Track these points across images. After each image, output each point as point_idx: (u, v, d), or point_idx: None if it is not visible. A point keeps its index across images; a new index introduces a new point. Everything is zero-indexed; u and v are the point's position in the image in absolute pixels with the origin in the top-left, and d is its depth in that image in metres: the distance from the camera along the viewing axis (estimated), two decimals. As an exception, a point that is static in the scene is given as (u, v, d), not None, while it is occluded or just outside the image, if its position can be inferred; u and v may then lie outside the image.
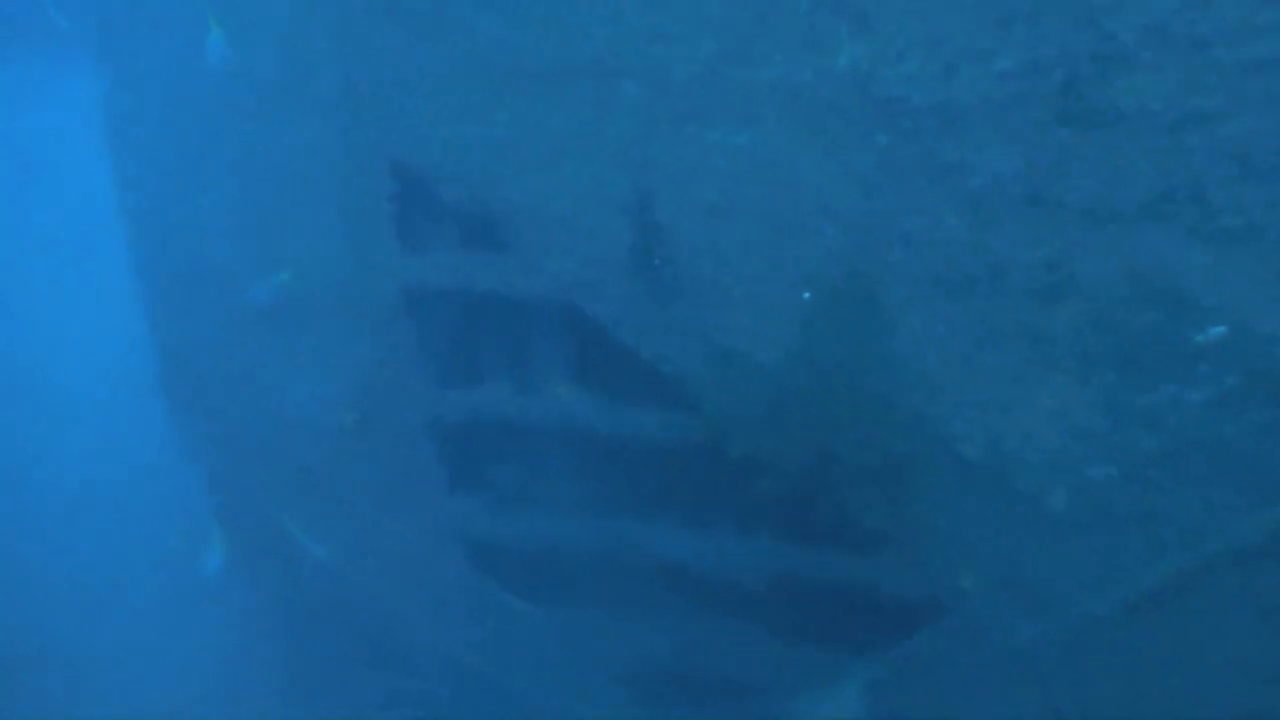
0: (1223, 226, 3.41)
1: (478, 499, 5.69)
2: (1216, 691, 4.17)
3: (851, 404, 4.28)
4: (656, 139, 4.61)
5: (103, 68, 7.45)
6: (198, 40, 6.31)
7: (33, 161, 11.22)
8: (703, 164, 4.50)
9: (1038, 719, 4.56)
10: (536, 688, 5.94)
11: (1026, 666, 4.41)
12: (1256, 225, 3.37)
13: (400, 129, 5.30)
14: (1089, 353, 3.77)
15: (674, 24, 4.41)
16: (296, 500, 6.37)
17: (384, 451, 5.89)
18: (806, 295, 4.24)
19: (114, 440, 9.42)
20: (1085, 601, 4.13)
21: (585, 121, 4.76)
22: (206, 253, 6.51)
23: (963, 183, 3.83)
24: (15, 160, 11.41)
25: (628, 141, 4.69)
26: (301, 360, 6.07)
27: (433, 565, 5.94)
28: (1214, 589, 3.91)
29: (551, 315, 5.26)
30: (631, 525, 5.30)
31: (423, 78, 5.18)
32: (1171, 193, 3.36)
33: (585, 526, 5.38)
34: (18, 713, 7.98)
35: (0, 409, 9.92)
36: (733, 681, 5.33)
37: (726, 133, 4.40)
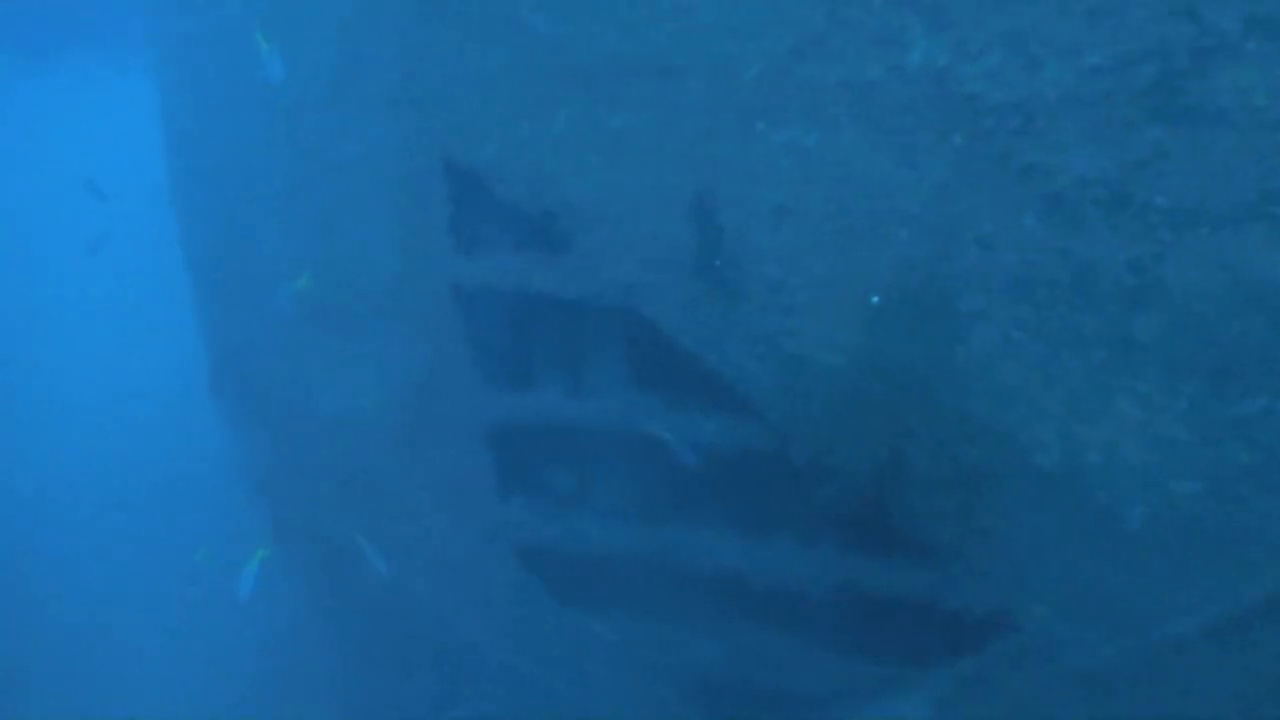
0: (1325, 230, 3.25)
1: (530, 503, 5.61)
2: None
3: (922, 412, 4.14)
4: (721, 138, 4.51)
5: (158, 71, 7.48)
6: (252, 44, 6.31)
7: (88, 164, 11.34)
8: (769, 164, 4.39)
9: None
10: (588, 694, 5.84)
11: (1101, 688, 4.24)
12: (1362, 229, 3.21)
13: (456, 128, 5.24)
14: (1177, 361, 3.61)
15: (744, 20, 4.31)
16: (348, 502, 6.32)
17: (437, 454, 5.82)
18: (876, 299, 4.11)
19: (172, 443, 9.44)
20: (1167, 623, 3.96)
21: (647, 120, 4.67)
22: (259, 254, 6.49)
23: (1045, 184, 3.69)
24: (71, 163, 11.55)
25: (691, 141, 4.59)
26: (354, 361, 6.03)
27: (484, 569, 5.86)
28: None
29: (608, 318, 5.17)
30: (686, 532, 5.19)
31: (479, 76, 5.12)
32: (1275, 193, 3.20)
33: (639, 532, 5.27)
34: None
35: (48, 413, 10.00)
36: (790, 693, 5.20)
37: (795, 132, 4.29)
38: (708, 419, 4.94)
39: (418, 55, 5.29)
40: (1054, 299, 3.79)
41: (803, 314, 4.42)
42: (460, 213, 5.45)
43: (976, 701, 4.50)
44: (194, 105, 6.98)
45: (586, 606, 5.60)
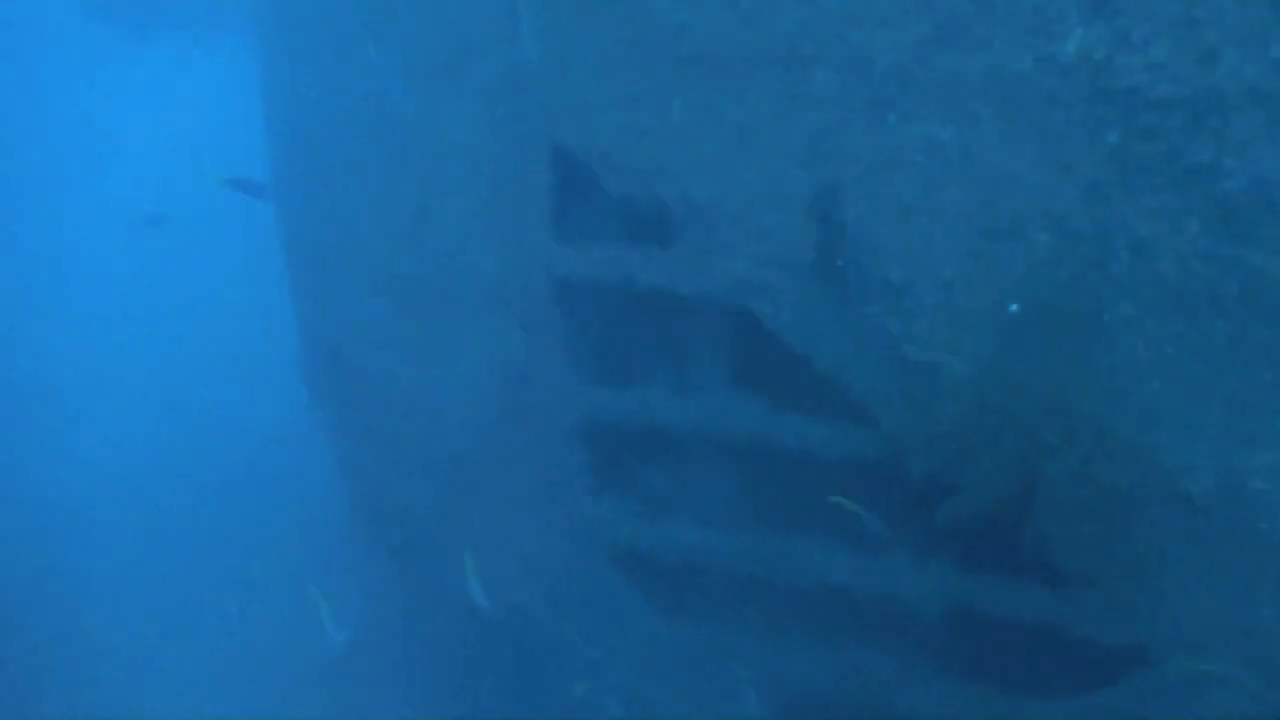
0: None
1: (624, 504, 5.45)
2: None
3: (1060, 429, 3.88)
4: (848, 131, 4.29)
5: (259, 55, 7.48)
6: (355, 27, 6.24)
7: (185, 146, 11.51)
8: (900, 159, 4.16)
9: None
10: (675, 703, 5.67)
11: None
12: None
13: (565, 115, 5.09)
14: (1357, 384, 3.31)
15: (878, 7, 4.09)
16: (440, 496, 6.24)
17: (529, 449, 5.69)
18: (1014, 307, 3.85)
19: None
20: (1328, 666, 3.65)
21: (769, 111, 4.47)
22: (357, 240, 6.44)
23: (1213, 186, 3.40)
24: (167, 144, 11.72)
25: (815, 134, 4.37)
26: (448, 352, 5.93)
27: (573, 569, 5.72)
28: None
29: (717, 317, 4.98)
30: (790, 542, 4.98)
31: (592, 61, 4.96)
32: None
33: (739, 540, 5.08)
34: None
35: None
36: (891, 717, 4.96)
37: (930, 126, 4.05)
38: (816, 425, 4.72)
39: (528, 38, 5.16)
40: (1217, 311, 3.50)
41: (928, 319, 4.18)
42: (564, 203, 5.31)
43: (1104, 739, 4.23)
44: (295, 89, 6.96)
45: (679, 613, 5.42)
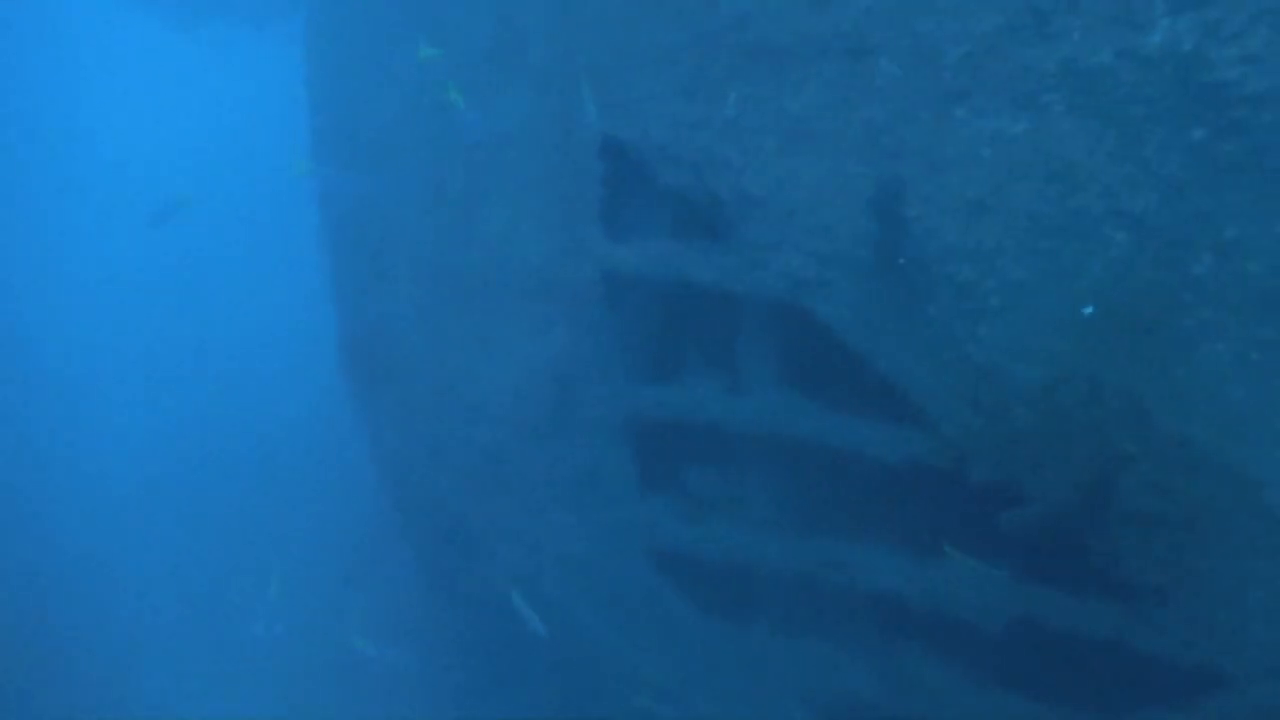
0: None
1: (671, 504, 5.33)
2: None
3: (1133, 437, 3.72)
4: (913, 125, 4.14)
5: (305, 42, 7.42)
6: (402, 17, 6.16)
7: (223, 134, 11.52)
8: (968, 154, 4.01)
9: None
10: (719, 708, 5.55)
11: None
12: None
13: (617, 106, 4.98)
14: None
15: (948, -4, 3.93)
16: (481, 492, 6.15)
17: (573, 446, 5.59)
18: (1088, 310, 3.69)
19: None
20: None
21: (830, 103, 4.33)
22: (402, 232, 6.36)
23: (1309, 185, 3.22)
24: (205, 132, 11.73)
25: (878, 127, 4.23)
26: (494, 345, 5.84)
27: (616, 569, 5.61)
28: None
29: (772, 314, 4.85)
30: (842, 547, 4.84)
31: (646, 51, 4.85)
32: None
33: (789, 544, 4.94)
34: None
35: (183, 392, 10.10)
36: (944, 730, 4.81)
37: (1001, 119, 3.90)
38: (874, 427, 4.58)
39: (579, 30, 5.05)
40: (1308, 318, 3.32)
41: (995, 321, 4.02)
42: (616, 196, 5.20)
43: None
44: (340, 77, 6.89)
45: (726, 616, 5.30)
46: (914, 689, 4.79)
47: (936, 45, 3.99)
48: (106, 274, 11.89)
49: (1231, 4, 3.24)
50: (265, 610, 8.08)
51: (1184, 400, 3.60)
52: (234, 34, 10.83)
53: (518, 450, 5.88)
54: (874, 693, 4.93)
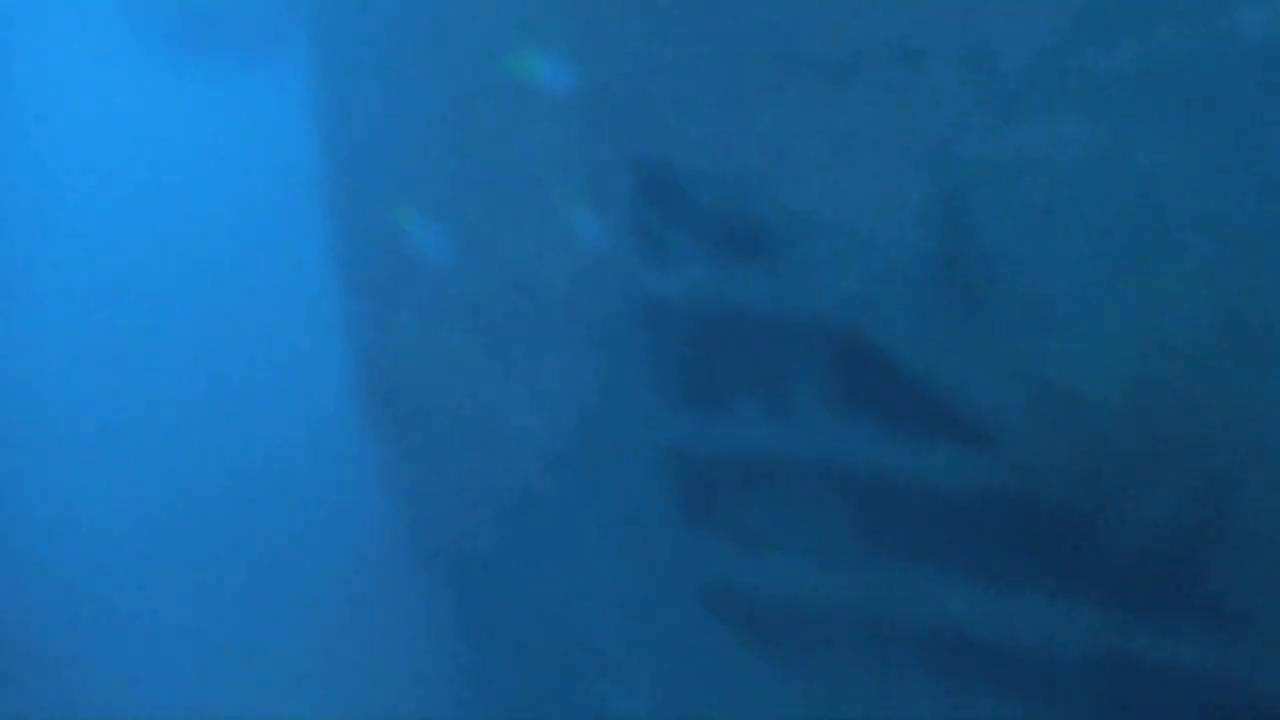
0: None
1: (718, 539, 5.08)
2: None
3: (1226, 459, 3.48)
4: (971, 133, 3.93)
5: (311, 63, 7.23)
6: (419, 39, 5.97)
7: (226, 167, 11.34)
8: (1032, 161, 3.79)
9: None
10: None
11: None
12: None
13: (648, 123, 4.77)
14: None
15: (1007, -4, 3.73)
16: (508, 529, 5.90)
17: (610, 479, 5.35)
18: (1179, 320, 3.47)
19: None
20: None
21: (879, 114, 4.12)
22: (417, 255, 6.14)
23: None
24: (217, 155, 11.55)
25: (933, 137, 4.02)
26: (522, 374, 5.60)
27: (659, 608, 5.36)
28: None
29: (822, 336, 4.62)
30: (903, 579, 4.59)
31: (679, 67, 4.64)
32: None
33: (846, 578, 4.70)
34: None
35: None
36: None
37: (1069, 124, 3.69)
38: (934, 452, 4.35)
39: (607, 44, 4.84)
40: None
41: (1066, 336, 3.80)
42: (649, 217, 4.98)
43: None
44: (349, 97, 6.70)
45: (780, 654, 5.04)
46: (986, 727, 4.54)
47: (995, 49, 3.79)
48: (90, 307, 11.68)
49: (1329, -9, 3.04)
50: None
51: (1283, 417, 3.37)
52: (239, 66, 10.67)
53: (548, 485, 5.64)
54: (941, 732, 4.68)
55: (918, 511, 4.64)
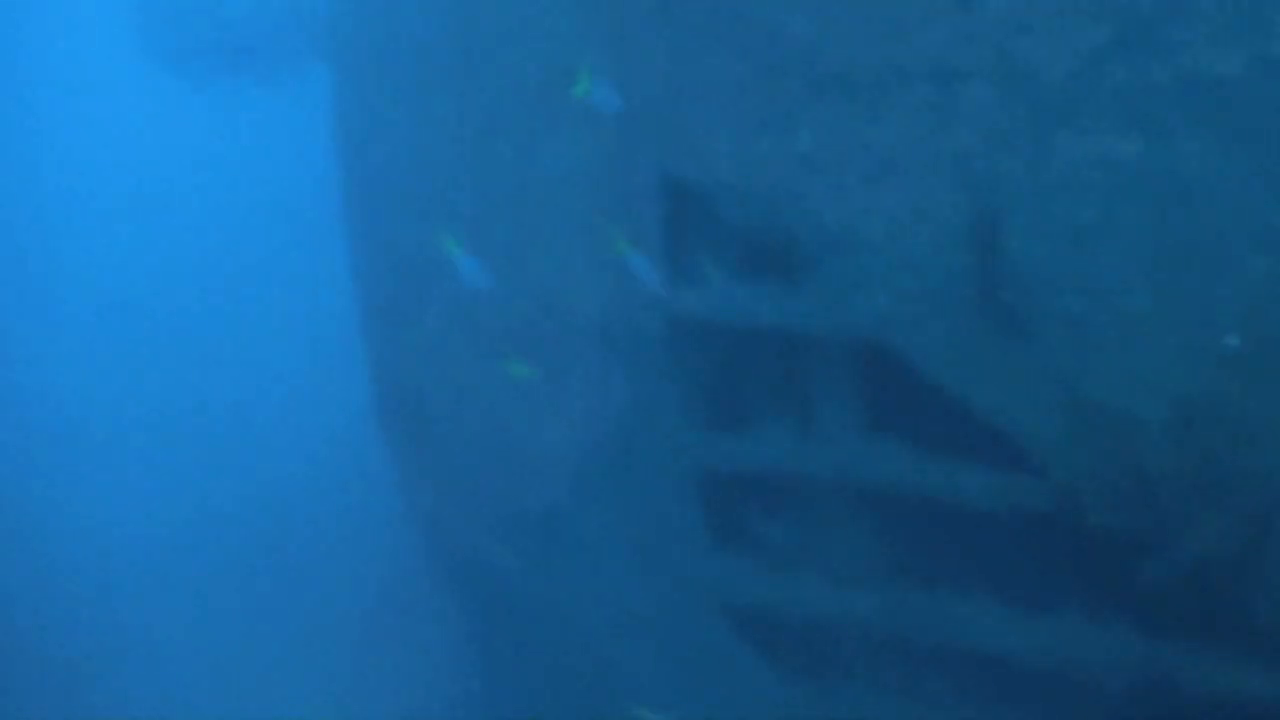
0: None
1: (745, 560, 5.02)
2: None
3: (1276, 481, 3.42)
4: (1009, 150, 3.89)
5: (332, 83, 7.22)
6: (445, 57, 5.95)
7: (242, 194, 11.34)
8: (1074, 178, 3.76)
9: None
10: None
11: None
12: None
13: (679, 143, 4.74)
14: None
15: (1048, 11, 3.70)
16: (532, 551, 5.83)
17: (635, 500, 5.28)
18: (1232, 340, 3.42)
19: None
20: None
21: (916, 132, 4.08)
22: (444, 280, 6.09)
23: None
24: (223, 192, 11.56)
25: (970, 153, 3.98)
26: (546, 398, 5.55)
27: (684, 630, 5.28)
28: None
29: (855, 356, 4.57)
30: (935, 601, 4.52)
31: (712, 85, 4.61)
32: None
33: (879, 600, 4.63)
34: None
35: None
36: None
37: (1111, 141, 3.65)
38: (972, 473, 4.29)
39: (637, 63, 4.82)
40: None
41: (1113, 355, 3.75)
42: (678, 236, 4.94)
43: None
44: (372, 116, 6.67)
45: (810, 678, 4.97)
46: (1024, 754, 4.46)
47: (1034, 65, 3.76)
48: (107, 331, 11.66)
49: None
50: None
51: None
52: (253, 92, 10.68)
53: (573, 506, 5.58)
54: (977, 758, 4.59)
55: (951, 532, 4.58)
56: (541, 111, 5.29)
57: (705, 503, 5.10)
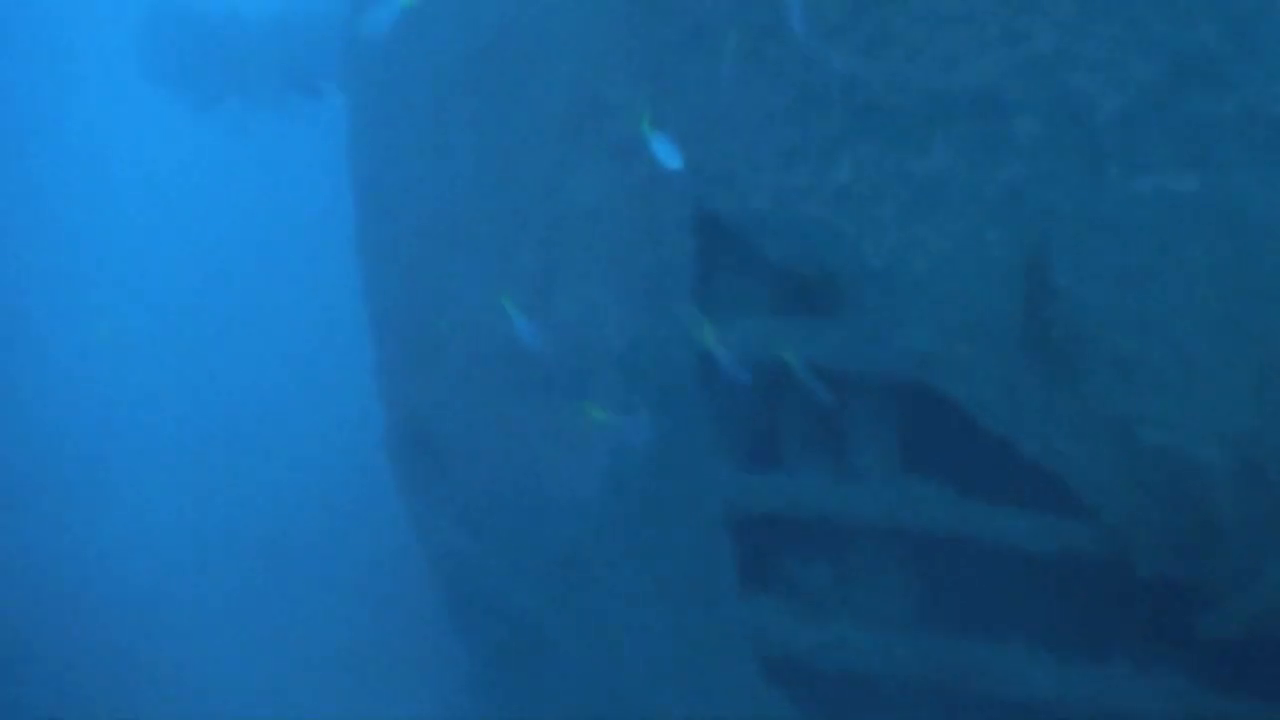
0: None
1: (778, 605, 4.87)
2: None
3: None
4: (1059, 186, 3.81)
5: (349, 114, 7.13)
6: (453, 81, 5.88)
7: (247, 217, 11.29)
8: (1126, 216, 3.67)
9: None
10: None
11: None
12: None
13: (713, 176, 4.65)
14: None
15: (1098, 46, 3.63)
16: (554, 592, 5.67)
17: (664, 542, 5.14)
18: (1290, 380, 3.31)
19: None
20: None
21: (961, 166, 4.00)
22: (462, 314, 5.96)
23: None
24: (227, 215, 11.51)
25: (1017, 189, 3.89)
26: (572, 435, 5.42)
27: (716, 676, 5.12)
28: None
29: (892, 394, 4.46)
30: (977, 648, 4.38)
31: (742, 116, 4.53)
32: None
33: (917, 646, 4.49)
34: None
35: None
36: None
37: (1165, 176, 3.56)
38: (1018, 517, 4.16)
39: (670, 95, 4.74)
40: None
41: (1168, 397, 3.64)
42: (711, 271, 4.84)
43: None
44: (390, 149, 6.58)
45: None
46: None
47: (1087, 100, 3.68)
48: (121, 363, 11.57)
49: None
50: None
51: None
52: (256, 115, 10.62)
53: (597, 546, 5.43)
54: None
55: (995, 577, 4.44)
56: (570, 143, 5.20)
57: (736, 544, 4.96)
